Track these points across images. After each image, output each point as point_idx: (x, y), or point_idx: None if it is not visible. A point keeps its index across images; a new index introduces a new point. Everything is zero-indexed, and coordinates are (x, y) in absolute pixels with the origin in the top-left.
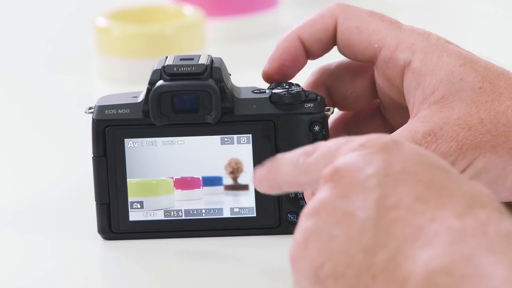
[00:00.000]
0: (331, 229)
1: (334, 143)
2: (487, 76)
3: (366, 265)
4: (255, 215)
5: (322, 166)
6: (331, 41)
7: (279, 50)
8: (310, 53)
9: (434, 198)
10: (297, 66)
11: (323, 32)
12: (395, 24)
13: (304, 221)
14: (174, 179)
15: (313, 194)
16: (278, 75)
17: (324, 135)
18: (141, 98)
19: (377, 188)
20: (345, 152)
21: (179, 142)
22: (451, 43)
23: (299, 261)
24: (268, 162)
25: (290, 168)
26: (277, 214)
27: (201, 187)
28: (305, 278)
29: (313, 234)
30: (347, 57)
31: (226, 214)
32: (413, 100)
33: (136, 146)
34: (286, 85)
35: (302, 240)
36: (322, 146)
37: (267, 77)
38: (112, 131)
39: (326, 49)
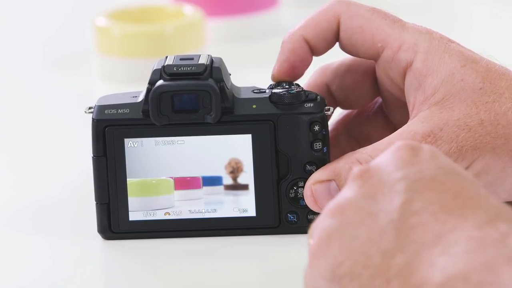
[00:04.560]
0: (354, 229)
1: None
2: (488, 77)
3: (383, 268)
4: (255, 215)
5: None
6: (335, 38)
7: (285, 53)
8: (315, 51)
9: (459, 208)
10: (305, 66)
11: (327, 31)
12: (398, 23)
13: (328, 218)
14: (174, 179)
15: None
16: (288, 77)
17: (324, 135)
18: (141, 98)
19: (404, 192)
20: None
21: (179, 142)
22: (453, 42)
23: (319, 259)
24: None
25: None
26: (277, 214)
27: (201, 187)
28: (321, 275)
29: (337, 233)
30: (349, 54)
31: (226, 214)
32: (413, 100)
33: (136, 146)
34: (286, 85)
35: (325, 238)
36: None
37: (276, 81)
38: (112, 130)
39: (330, 46)
